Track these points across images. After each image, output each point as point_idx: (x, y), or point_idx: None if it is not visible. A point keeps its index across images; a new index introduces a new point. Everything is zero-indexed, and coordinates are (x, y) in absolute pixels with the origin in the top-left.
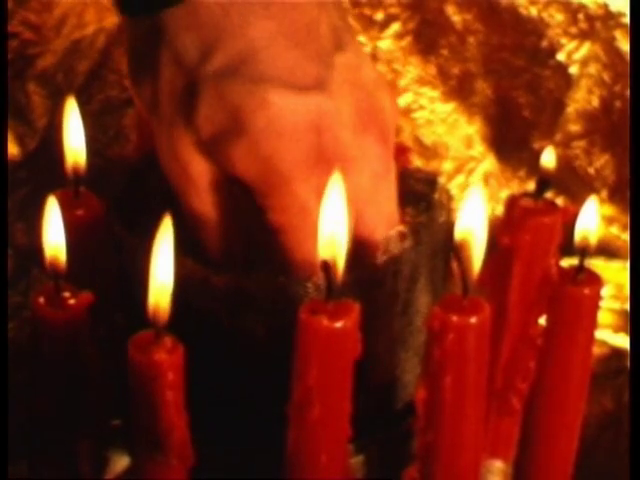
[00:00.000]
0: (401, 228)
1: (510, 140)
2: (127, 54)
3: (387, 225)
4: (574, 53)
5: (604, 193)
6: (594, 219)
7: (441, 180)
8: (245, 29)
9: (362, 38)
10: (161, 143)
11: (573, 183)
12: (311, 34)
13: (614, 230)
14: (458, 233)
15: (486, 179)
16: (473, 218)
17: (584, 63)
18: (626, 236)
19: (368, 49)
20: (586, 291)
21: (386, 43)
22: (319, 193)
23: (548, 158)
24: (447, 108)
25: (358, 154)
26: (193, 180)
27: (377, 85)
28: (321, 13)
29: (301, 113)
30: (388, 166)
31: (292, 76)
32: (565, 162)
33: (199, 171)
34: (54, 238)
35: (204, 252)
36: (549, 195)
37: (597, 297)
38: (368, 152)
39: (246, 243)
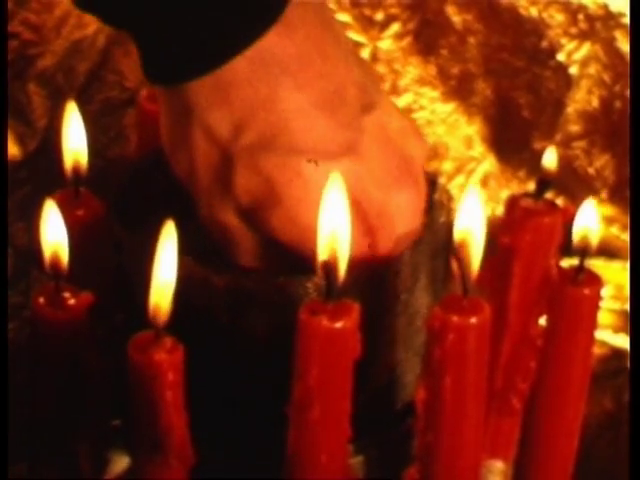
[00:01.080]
0: None
1: (510, 140)
2: (161, 126)
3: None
4: (574, 53)
5: (604, 193)
6: (593, 220)
7: (441, 180)
8: (274, 102)
9: (362, 38)
10: (202, 209)
11: (573, 183)
12: (339, 100)
13: (614, 230)
14: (457, 233)
15: (486, 179)
16: (471, 218)
17: (584, 63)
18: (626, 236)
19: (368, 49)
20: (586, 291)
21: (386, 43)
22: (364, 256)
23: (550, 158)
24: (447, 108)
25: (393, 210)
26: (234, 237)
27: (405, 134)
28: (347, 76)
29: None
30: (420, 211)
31: (323, 145)
32: (565, 162)
33: (241, 235)
34: (54, 238)
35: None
36: (549, 195)
37: (597, 297)
38: (402, 206)
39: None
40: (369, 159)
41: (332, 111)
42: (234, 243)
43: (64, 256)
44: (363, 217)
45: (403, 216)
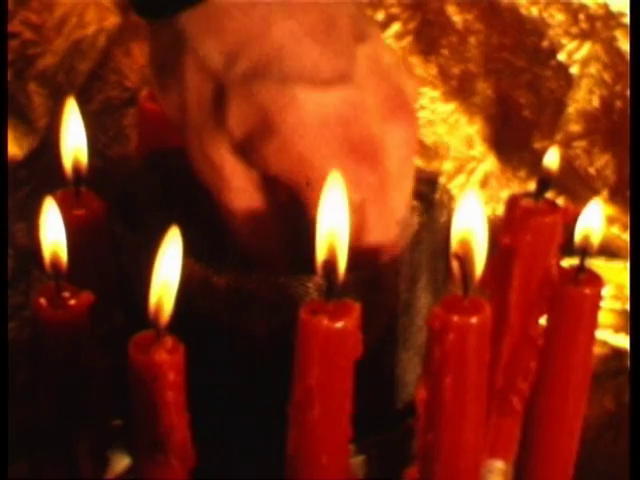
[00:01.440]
0: (414, 203)
1: (511, 140)
2: (150, 63)
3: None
4: (575, 53)
5: (605, 193)
6: (597, 220)
7: (442, 180)
8: (267, 31)
9: None
10: (192, 147)
11: (574, 183)
12: (332, 29)
13: (615, 230)
14: (456, 234)
15: (487, 179)
16: (470, 219)
17: (585, 63)
18: (627, 236)
19: None
20: (587, 291)
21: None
22: (356, 184)
23: (551, 158)
24: (448, 108)
25: (387, 141)
26: (227, 181)
27: (398, 70)
28: (340, 7)
29: (328, 107)
30: (413, 148)
31: (317, 72)
32: (566, 162)
33: (233, 172)
34: (55, 238)
35: (240, 253)
36: (550, 195)
37: (598, 297)
38: (396, 138)
39: (284, 246)
40: (363, 88)
41: (325, 39)
42: (225, 182)
43: (64, 256)
44: (357, 147)
45: (398, 149)
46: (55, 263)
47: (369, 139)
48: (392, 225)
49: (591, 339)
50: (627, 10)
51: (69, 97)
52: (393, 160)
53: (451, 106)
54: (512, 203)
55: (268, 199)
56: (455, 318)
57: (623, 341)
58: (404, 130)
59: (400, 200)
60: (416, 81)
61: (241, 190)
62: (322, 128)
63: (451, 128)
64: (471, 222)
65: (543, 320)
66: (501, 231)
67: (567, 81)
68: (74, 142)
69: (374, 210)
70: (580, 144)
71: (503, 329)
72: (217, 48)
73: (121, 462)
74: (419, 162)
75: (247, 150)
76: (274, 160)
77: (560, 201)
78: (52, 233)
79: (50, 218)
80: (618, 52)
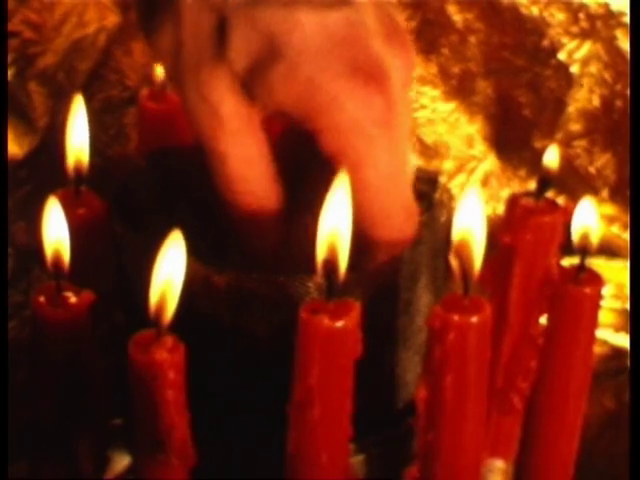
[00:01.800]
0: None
1: (511, 139)
2: (138, 7)
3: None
4: (575, 52)
5: (605, 192)
6: (591, 218)
7: (442, 179)
8: None
9: None
10: (187, 90)
11: (574, 182)
12: None
13: (615, 229)
14: (456, 233)
15: (487, 178)
16: (471, 218)
17: (585, 62)
18: (627, 235)
19: None
20: (587, 290)
21: None
22: (367, 106)
23: (551, 157)
24: (448, 107)
25: (389, 61)
26: (223, 121)
27: (391, 4)
28: None
29: (332, 27)
30: (412, 75)
31: None
32: (566, 161)
33: (230, 111)
34: (56, 237)
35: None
36: (550, 194)
37: (598, 296)
38: (397, 60)
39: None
40: (363, 11)
41: None
42: (220, 125)
43: (66, 255)
44: (363, 67)
45: (399, 72)
46: (57, 262)
47: (374, 60)
48: (402, 157)
49: (591, 338)
50: (627, 9)
51: (76, 95)
52: (396, 83)
53: (451, 105)
54: (512, 202)
55: (264, 147)
56: (455, 317)
57: (623, 340)
58: (403, 55)
59: (404, 132)
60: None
61: (237, 134)
62: (328, 49)
63: (451, 127)
64: (471, 221)
65: (543, 319)
66: (501, 230)
67: (567, 80)
68: (77, 140)
69: (383, 141)
70: (580, 143)
71: (503, 328)
72: None
73: (121, 461)
74: (419, 161)
75: (250, 82)
76: (281, 88)
77: (560, 200)
78: (55, 232)
79: (53, 217)
80: (618, 51)
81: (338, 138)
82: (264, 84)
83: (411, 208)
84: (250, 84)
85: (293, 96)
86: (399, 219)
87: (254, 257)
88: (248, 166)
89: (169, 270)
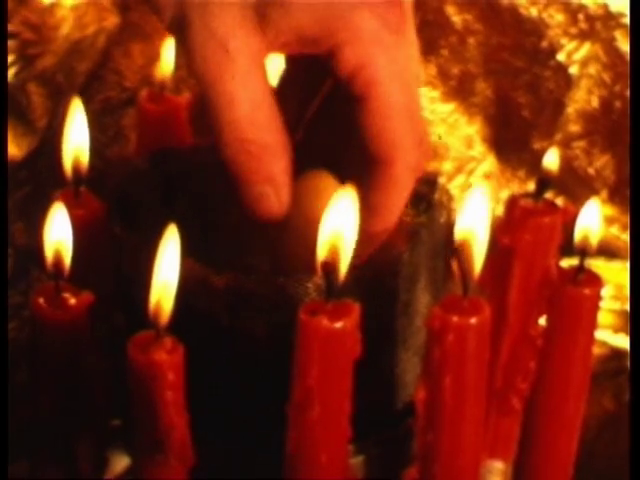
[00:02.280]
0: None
1: (510, 140)
2: None
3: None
4: (574, 53)
5: (604, 193)
6: (595, 220)
7: (441, 180)
8: None
9: None
10: (193, 26)
11: (573, 183)
12: None
13: (614, 230)
14: (458, 233)
15: (486, 179)
16: (474, 218)
17: (584, 63)
18: (626, 236)
19: None
20: (586, 291)
21: None
22: (384, 16)
23: (551, 159)
24: (447, 108)
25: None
26: (232, 58)
27: None
28: None
29: None
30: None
31: None
32: (565, 162)
33: (240, 46)
34: (58, 238)
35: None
36: (549, 195)
37: (597, 297)
38: None
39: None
40: None
41: None
42: (228, 63)
43: (67, 256)
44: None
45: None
46: (57, 263)
47: None
48: (415, 69)
49: (590, 339)
50: (627, 10)
51: (74, 97)
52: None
53: (450, 106)
54: (511, 203)
55: (271, 93)
56: (454, 318)
57: (622, 341)
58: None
59: (416, 41)
60: None
61: (245, 74)
62: None
63: (450, 128)
64: (475, 220)
65: (542, 320)
66: (500, 231)
67: (566, 81)
68: (76, 141)
69: (400, 51)
70: (579, 144)
71: (502, 329)
72: None
73: (120, 462)
74: None
75: (267, 5)
76: (299, 14)
77: (559, 201)
78: (57, 233)
79: (57, 218)
80: (617, 52)
81: (358, 50)
82: (283, 4)
83: (425, 137)
84: (266, 8)
85: (312, 13)
86: (414, 145)
87: (260, 225)
88: (257, 110)
89: (166, 270)
